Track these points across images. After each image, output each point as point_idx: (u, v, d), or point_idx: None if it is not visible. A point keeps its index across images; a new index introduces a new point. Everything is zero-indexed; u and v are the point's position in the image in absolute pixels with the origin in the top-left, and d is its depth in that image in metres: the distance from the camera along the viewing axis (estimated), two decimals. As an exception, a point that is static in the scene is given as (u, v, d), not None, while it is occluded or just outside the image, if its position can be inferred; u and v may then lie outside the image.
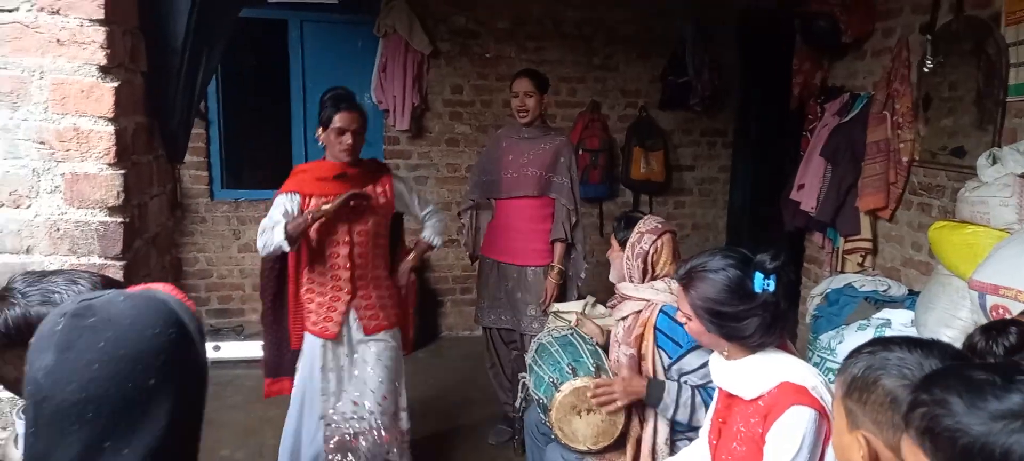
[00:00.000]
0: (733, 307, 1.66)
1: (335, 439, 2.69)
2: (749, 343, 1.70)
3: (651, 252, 2.31)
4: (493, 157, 3.56)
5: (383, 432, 2.75)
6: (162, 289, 1.01)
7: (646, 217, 2.41)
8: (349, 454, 2.67)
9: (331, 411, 2.79)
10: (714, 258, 1.72)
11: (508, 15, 4.93)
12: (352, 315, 2.83)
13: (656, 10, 5.06)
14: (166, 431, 0.89)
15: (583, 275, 3.50)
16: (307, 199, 2.67)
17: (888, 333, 2.98)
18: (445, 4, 4.83)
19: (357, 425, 2.72)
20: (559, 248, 3.42)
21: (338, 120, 2.66)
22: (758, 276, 1.64)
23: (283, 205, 2.64)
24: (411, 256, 3.04)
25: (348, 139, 2.67)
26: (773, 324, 1.68)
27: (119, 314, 0.91)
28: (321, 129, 2.73)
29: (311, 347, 2.82)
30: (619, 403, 2.16)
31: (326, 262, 2.77)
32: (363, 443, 2.70)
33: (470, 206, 3.68)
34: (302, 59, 4.81)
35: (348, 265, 2.78)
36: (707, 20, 5.03)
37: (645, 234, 2.32)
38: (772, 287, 1.64)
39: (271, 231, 2.55)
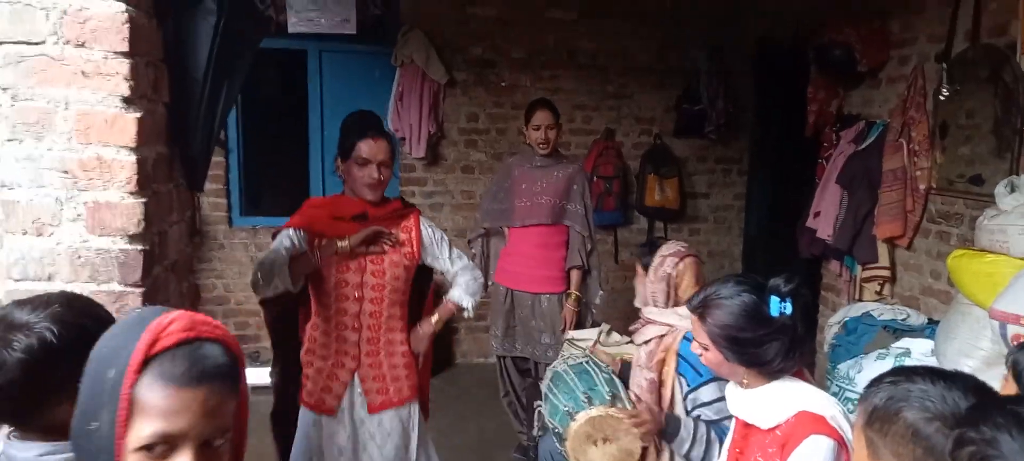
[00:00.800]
0: (751, 332, 1.65)
1: None
2: (769, 369, 1.67)
3: (673, 275, 2.31)
4: (504, 185, 3.58)
5: None
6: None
7: (669, 242, 2.42)
8: None
9: None
10: (726, 285, 1.71)
11: (523, 45, 4.98)
12: (356, 387, 2.36)
13: (671, 39, 5.09)
14: None
15: (598, 301, 3.50)
16: (318, 239, 2.22)
17: (908, 363, 2.94)
18: (461, 35, 4.89)
19: None
20: (576, 275, 3.43)
21: (363, 149, 2.24)
22: (774, 300, 1.63)
23: (289, 239, 2.18)
24: (433, 319, 2.49)
25: (374, 172, 2.25)
26: (792, 348, 1.66)
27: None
28: (340, 160, 2.31)
29: (305, 423, 2.38)
30: (649, 427, 2.13)
31: (331, 320, 2.31)
32: None
33: (480, 234, 3.69)
34: (321, 88, 4.88)
35: (357, 325, 2.33)
36: (722, 49, 5.06)
37: (667, 257, 2.33)
38: (789, 310, 1.63)
39: (269, 265, 2.05)
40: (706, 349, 1.75)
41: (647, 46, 5.11)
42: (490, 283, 3.67)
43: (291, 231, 2.21)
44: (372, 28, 4.62)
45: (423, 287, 2.57)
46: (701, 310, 1.73)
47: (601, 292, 3.51)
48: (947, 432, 1.05)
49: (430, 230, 2.45)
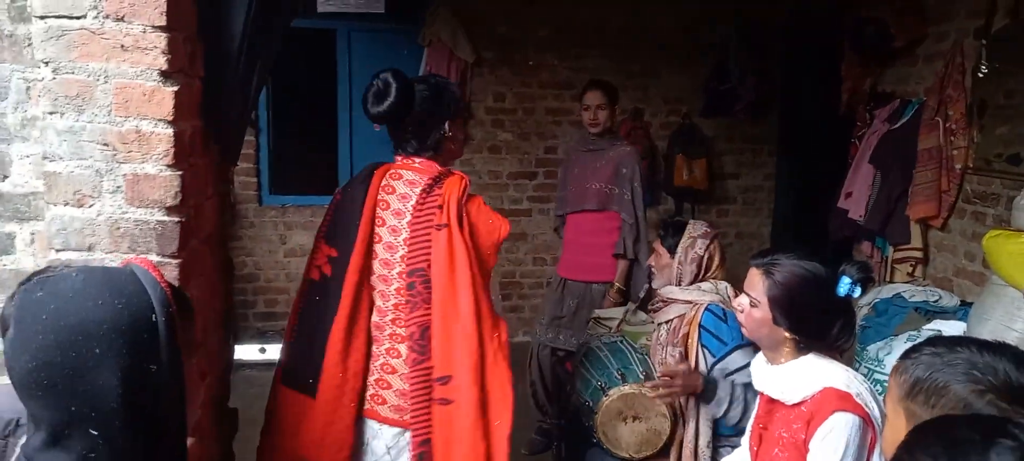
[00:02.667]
0: (812, 301, 1.66)
1: None
2: (811, 343, 1.67)
3: (705, 257, 2.32)
4: (565, 170, 3.59)
5: None
6: (137, 263, 1.08)
7: (693, 222, 2.42)
8: None
9: None
10: (798, 253, 1.71)
11: (551, 23, 4.95)
12: None
13: (700, 17, 5.03)
14: (123, 396, 0.96)
15: (642, 294, 3.43)
16: None
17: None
18: (489, 13, 4.87)
19: None
20: (621, 265, 3.34)
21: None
22: (845, 279, 1.63)
23: None
24: None
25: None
26: (841, 333, 1.67)
27: (65, 288, 0.98)
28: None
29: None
30: (678, 394, 2.13)
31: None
32: None
33: (557, 225, 3.71)
34: (349, 67, 4.91)
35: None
36: (752, 26, 4.98)
37: (698, 239, 2.33)
38: (857, 294, 1.63)
39: None
40: (755, 306, 1.71)
41: (676, 23, 5.05)
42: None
43: None
44: (400, 6, 4.63)
45: None
46: (769, 266, 1.71)
47: (647, 285, 3.46)
48: (1002, 405, 1.02)
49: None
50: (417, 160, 1.96)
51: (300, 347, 1.92)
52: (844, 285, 1.63)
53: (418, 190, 1.91)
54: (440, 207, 1.86)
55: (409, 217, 1.89)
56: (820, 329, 1.66)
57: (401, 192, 1.93)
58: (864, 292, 1.67)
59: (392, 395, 1.90)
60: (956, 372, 1.08)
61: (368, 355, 1.91)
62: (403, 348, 1.87)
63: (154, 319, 1.01)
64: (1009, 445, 0.81)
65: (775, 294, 1.68)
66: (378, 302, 1.92)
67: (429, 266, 1.84)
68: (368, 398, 1.91)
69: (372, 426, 1.92)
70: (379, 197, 1.92)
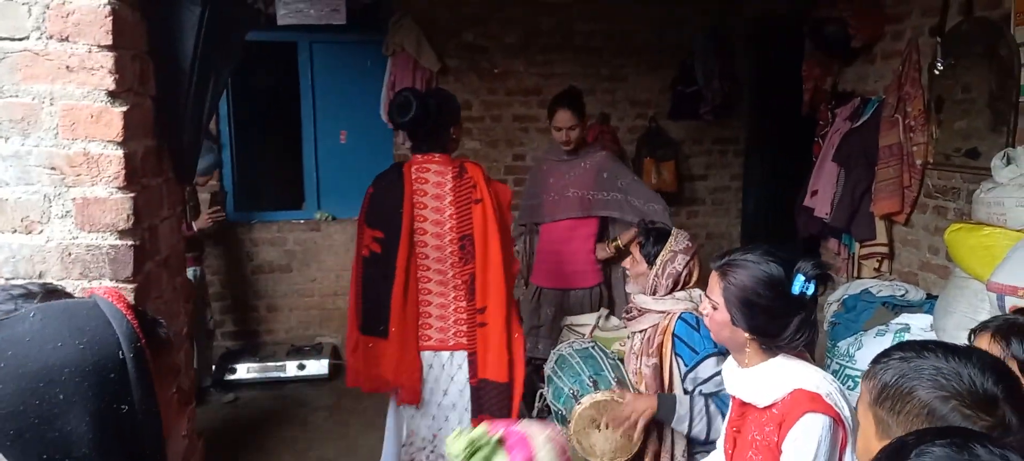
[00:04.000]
0: (767, 301, 1.64)
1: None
2: (771, 342, 1.67)
3: (683, 273, 2.27)
4: (536, 180, 3.56)
5: None
6: (102, 295, 1.01)
7: (676, 233, 2.36)
8: None
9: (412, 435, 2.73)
10: (755, 251, 1.70)
11: (517, 30, 4.95)
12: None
13: (666, 20, 5.06)
14: (95, 441, 0.90)
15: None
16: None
17: (907, 337, 2.94)
18: (453, 21, 4.86)
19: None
20: (631, 231, 3.21)
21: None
22: (799, 278, 1.62)
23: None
24: None
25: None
26: (799, 330, 1.65)
27: (23, 331, 0.92)
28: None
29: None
30: (636, 422, 2.13)
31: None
32: None
33: (521, 231, 3.62)
34: (312, 80, 4.85)
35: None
36: (717, 29, 5.03)
37: (679, 254, 2.27)
38: (811, 291, 1.62)
39: None
40: (715, 309, 1.72)
41: (644, 27, 5.07)
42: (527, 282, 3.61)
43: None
44: (362, 17, 4.59)
45: None
46: (724, 268, 1.71)
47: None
48: (965, 412, 1.02)
49: None
50: (436, 156, 2.60)
51: (369, 305, 2.60)
52: (798, 283, 1.62)
53: (450, 176, 2.58)
54: (473, 186, 2.56)
55: (450, 197, 2.57)
56: (777, 328, 1.65)
57: (435, 181, 2.59)
58: (822, 290, 1.64)
59: (434, 332, 2.64)
60: (922, 378, 1.08)
61: (418, 303, 2.60)
62: (453, 293, 2.60)
63: (121, 356, 0.95)
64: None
65: (730, 295, 1.68)
66: (433, 263, 2.59)
67: (473, 231, 2.55)
68: (421, 337, 2.63)
69: (427, 355, 2.64)
70: (415, 187, 2.57)
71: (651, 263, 2.32)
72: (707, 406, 2.08)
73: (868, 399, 1.15)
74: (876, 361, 1.17)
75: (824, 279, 1.65)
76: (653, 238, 2.35)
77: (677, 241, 2.31)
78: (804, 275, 1.62)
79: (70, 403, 0.89)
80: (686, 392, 2.16)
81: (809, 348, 1.77)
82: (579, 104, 3.36)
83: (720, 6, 5.01)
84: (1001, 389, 1.05)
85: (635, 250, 2.39)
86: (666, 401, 2.11)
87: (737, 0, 5.06)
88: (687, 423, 2.08)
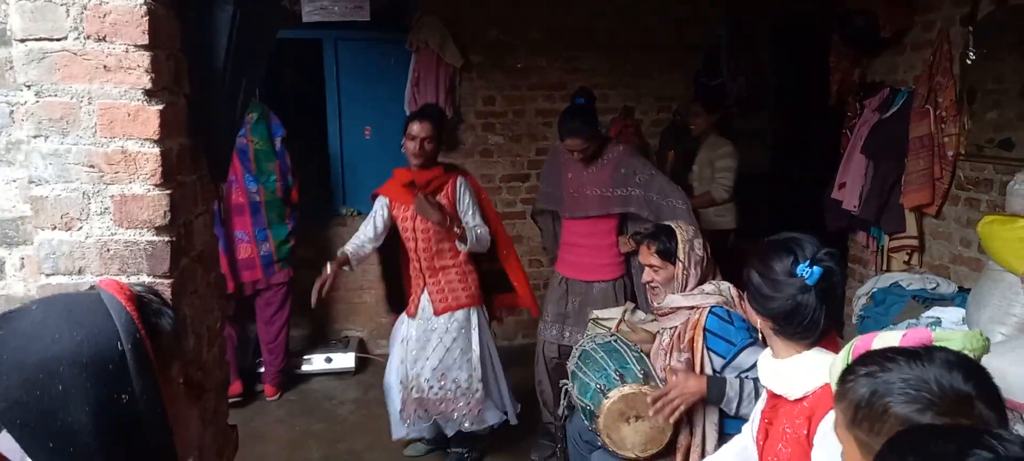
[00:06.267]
0: (770, 285, 1.66)
1: (411, 398, 3.33)
2: (784, 330, 1.67)
3: (705, 256, 2.33)
4: (554, 168, 3.59)
5: (437, 402, 3.31)
6: (103, 287, 1.02)
7: (678, 225, 2.40)
8: (422, 410, 3.34)
9: (410, 375, 3.32)
10: (782, 235, 1.72)
11: (541, 26, 4.94)
12: (425, 297, 3.30)
13: (690, 14, 5.03)
14: (98, 432, 0.91)
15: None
16: (394, 204, 3.27)
17: (938, 331, 2.90)
18: (477, 18, 4.86)
19: (425, 393, 3.30)
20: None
21: (412, 128, 3.14)
22: (803, 263, 1.63)
23: (378, 206, 3.31)
24: (443, 208, 3.16)
25: (415, 146, 3.13)
26: (806, 317, 1.63)
27: (25, 325, 0.94)
28: (404, 138, 3.17)
29: (400, 319, 3.47)
30: (680, 407, 2.13)
31: (408, 256, 3.35)
32: (424, 408, 3.32)
33: (541, 210, 3.71)
34: (337, 76, 4.89)
35: (417, 257, 3.27)
36: (741, 22, 4.98)
37: (693, 240, 2.32)
38: (812, 278, 1.61)
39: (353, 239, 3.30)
40: (742, 297, 1.80)
41: (666, 22, 5.05)
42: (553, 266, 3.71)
43: (380, 199, 3.33)
44: (386, 13, 4.61)
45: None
46: (748, 255, 1.76)
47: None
48: (944, 419, 1.00)
49: (462, 192, 3.24)
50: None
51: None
52: (801, 267, 1.62)
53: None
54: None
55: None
56: (781, 312, 1.65)
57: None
58: (829, 274, 1.63)
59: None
60: (893, 393, 1.04)
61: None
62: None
63: (120, 347, 0.95)
64: (985, 456, 0.79)
65: (745, 273, 1.73)
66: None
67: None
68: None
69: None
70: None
71: (674, 260, 2.33)
72: (756, 388, 2.08)
73: (844, 422, 1.11)
74: (842, 380, 1.14)
75: (829, 270, 1.63)
76: (664, 235, 2.36)
77: (685, 230, 2.34)
78: (808, 259, 1.61)
79: (69, 395, 0.91)
80: None
81: (827, 339, 1.76)
82: (588, 125, 3.31)
83: (742, 1, 4.97)
84: (971, 385, 1.02)
85: (651, 259, 2.39)
86: (716, 383, 2.12)
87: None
88: (736, 404, 2.08)
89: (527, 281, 3.50)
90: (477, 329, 3.33)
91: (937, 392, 1.02)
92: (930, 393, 1.02)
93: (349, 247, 3.25)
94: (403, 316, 3.45)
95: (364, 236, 3.29)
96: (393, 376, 3.47)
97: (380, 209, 3.31)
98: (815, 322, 1.64)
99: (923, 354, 1.08)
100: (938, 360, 1.06)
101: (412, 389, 3.32)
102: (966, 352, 1.19)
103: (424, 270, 3.29)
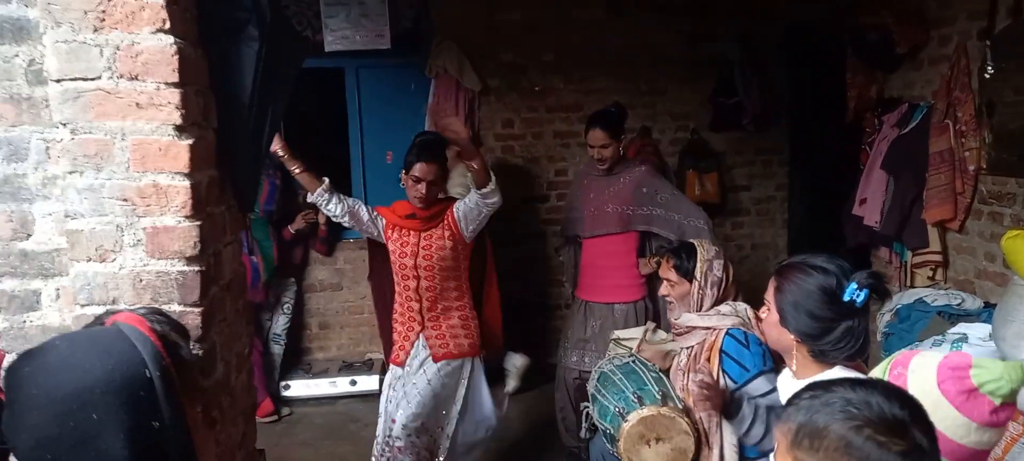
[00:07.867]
0: (815, 304, 1.67)
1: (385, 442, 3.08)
2: (818, 347, 1.69)
3: (723, 278, 2.34)
4: (576, 193, 3.60)
5: (401, 453, 3.01)
6: (122, 320, 1.05)
7: (701, 243, 2.40)
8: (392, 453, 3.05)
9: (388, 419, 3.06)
10: (819, 258, 1.74)
11: (554, 48, 4.99)
12: (421, 343, 3.02)
13: (700, 31, 5.05)
14: (131, 456, 0.93)
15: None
16: (391, 229, 3.02)
17: (965, 348, 2.87)
18: (492, 41, 4.92)
19: (391, 441, 3.03)
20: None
21: (416, 169, 2.88)
22: (851, 285, 1.65)
23: (375, 215, 3.05)
24: (469, 142, 2.94)
25: (422, 189, 2.89)
26: (845, 338, 1.65)
27: (52, 359, 0.96)
28: (404, 172, 2.92)
29: (388, 375, 3.15)
30: (708, 406, 2.13)
31: (401, 296, 3.05)
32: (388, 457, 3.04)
33: (564, 243, 3.70)
34: (359, 103, 4.97)
35: (417, 297, 3.00)
36: (752, 38, 4.99)
37: (714, 261, 2.33)
38: (861, 300, 1.63)
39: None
40: (768, 310, 1.78)
41: (676, 39, 5.07)
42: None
43: (376, 210, 3.07)
44: (405, 40, 4.69)
45: (482, 257, 3.28)
46: (782, 270, 1.77)
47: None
48: (879, 439, 1.02)
49: (460, 203, 2.97)
50: None
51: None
52: (849, 290, 1.64)
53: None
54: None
55: None
56: (820, 332, 1.67)
57: None
58: (876, 299, 1.66)
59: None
60: (833, 412, 1.07)
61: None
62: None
63: (148, 375, 0.98)
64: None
65: (782, 296, 1.73)
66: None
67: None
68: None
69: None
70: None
71: (690, 278, 2.34)
72: (768, 414, 2.08)
73: (785, 444, 1.13)
74: (787, 405, 1.17)
75: (880, 291, 1.67)
76: (685, 253, 2.38)
77: (707, 250, 2.35)
78: (857, 283, 1.63)
79: (104, 423, 0.93)
80: None
81: (860, 359, 1.76)
82: (614, 124, 3.37)
83: (751, 16, 4.98)
84: (907, 413, 1.05)
85: (669, 274, 2.41)
86: (735, 399, 2.12)
87: (768, 9, 5.01)
88: (748, 423, 2.08)
89: (499, 306, 3.35)
90: (465, 381, 3.07)
91: (876, 413, 1.05)
92: (870, 413, 1.05)
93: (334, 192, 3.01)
94: (391, 368, 3.14)
95: (354, 203, 3.03)
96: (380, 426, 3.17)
97: (375, 218, 3.05)
98: (861, 341, 1.67)
99: (868, 382, 1.13)
100: (880, 388, 1.11)
101: (388, 433, 3.08)
102: (1004, 382, 1.23)
103: (424, 313, 3.00)
